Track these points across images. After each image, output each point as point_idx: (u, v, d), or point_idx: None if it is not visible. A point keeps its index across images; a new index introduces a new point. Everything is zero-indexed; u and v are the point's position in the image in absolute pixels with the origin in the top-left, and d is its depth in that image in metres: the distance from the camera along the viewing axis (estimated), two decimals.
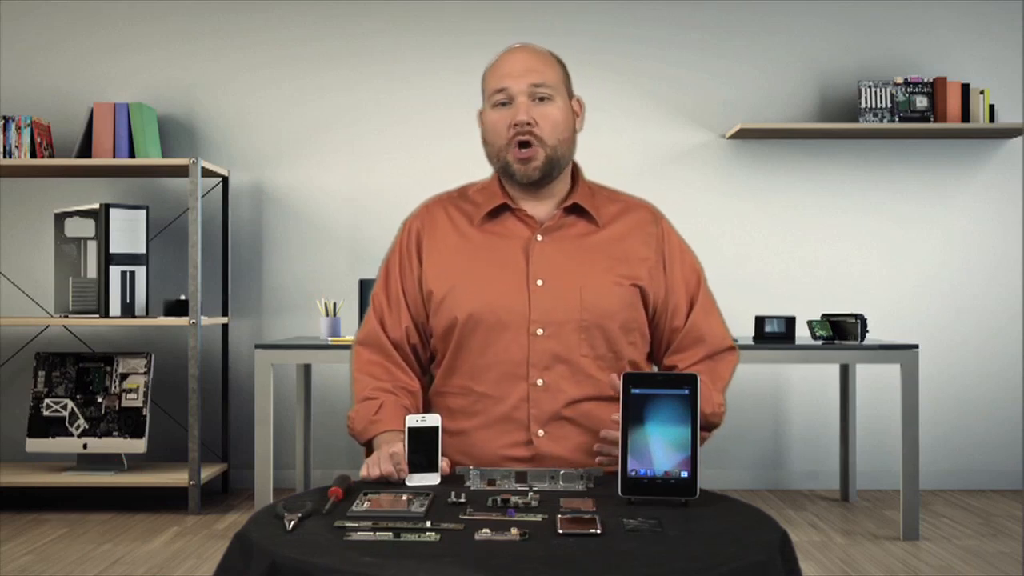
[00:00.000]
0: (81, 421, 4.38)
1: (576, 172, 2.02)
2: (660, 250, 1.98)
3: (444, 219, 2.00)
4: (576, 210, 1.97)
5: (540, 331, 1.88)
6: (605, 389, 1.88)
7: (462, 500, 1.53)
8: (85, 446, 4.36)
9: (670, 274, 1.98)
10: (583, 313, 1.89)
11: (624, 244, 1.96)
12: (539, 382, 1.88)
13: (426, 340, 2.00)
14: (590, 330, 1.89)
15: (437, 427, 1.68)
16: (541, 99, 1.92)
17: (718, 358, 2.01)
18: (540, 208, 1.98)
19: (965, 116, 4.57)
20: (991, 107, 4.60)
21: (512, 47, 1.99)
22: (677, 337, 1.99)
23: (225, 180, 4.71)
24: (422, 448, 1.66)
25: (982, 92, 4.59)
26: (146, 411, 4.38)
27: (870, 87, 4.59)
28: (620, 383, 1.60)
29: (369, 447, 1.91)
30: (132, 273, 4.40)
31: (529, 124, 1.90)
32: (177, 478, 4.28)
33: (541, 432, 1.87)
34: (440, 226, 1.99)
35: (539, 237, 1.94)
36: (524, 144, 1.91)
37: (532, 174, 1.92)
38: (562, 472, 1.66)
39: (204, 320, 4.43)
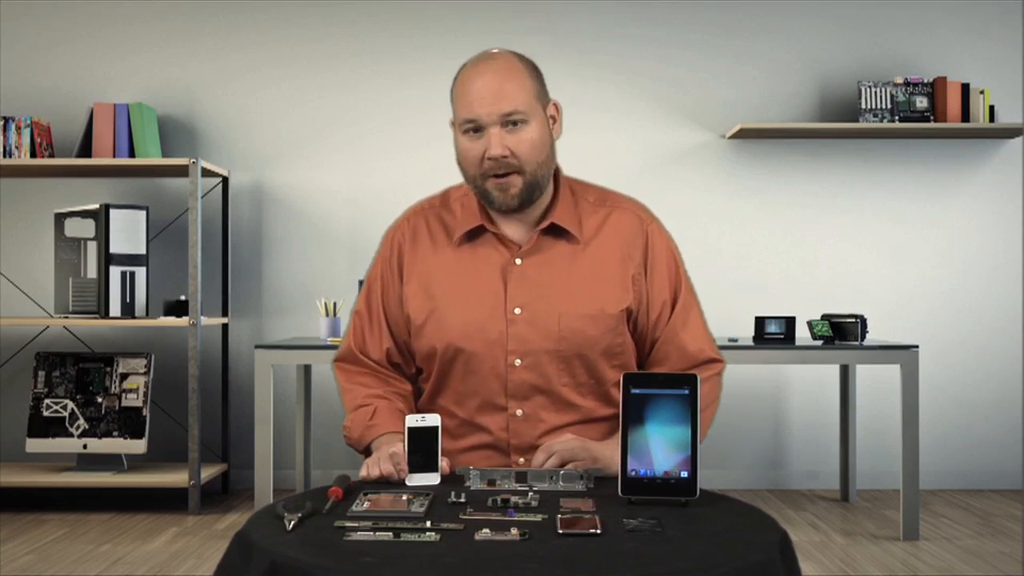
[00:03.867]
0: (81, 421, 4.38)
1: (556, 177, 1.93)
2: (644, 259, 1.91)
3: (425, 235, 1.94)
4: (555, 229, 1.89)
5: (518, 362, 1.85)
6: (588, 414, 1.86)
7: (462, 500, 1.53)
8: (85, 446, 4.36)
9: (651, 282, 1.91)
10: (560, 343, 1.84)
11: (607, 264, 1.89)
12: (518, 412, 1.86)
13: (409, 358, 1.97)
14: (569, 359, 1.85)
15: (437, 427, 1.67)
16: (515, 123, 1.81)
17: (695, 370, 1.92)
18: (519, 228, 1.90)
19: (965, 116, 4.57)
20: (991, 107, 4.60)
21: (478, 63, 1.86)
22: (656, 347, 1.94)
23: (225, 180, 4.71)
24: (422, 448, 1.66)
25: (982, 92, 4.59)
26: (146, 411, 4.38)
27: (870, 87, 4.59)
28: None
29: (367, 453, 1.89)
30: (132, 273, 4.40)
31: (505, 157, 1.81)
32: (177, 478, 4.28)
33: (522, 460, 1.86)
34: (421, 243, 1.94)
35: (518, 261, 1.88)
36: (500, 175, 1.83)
37: (512, 202, 1.84)
38: (562, 472, 1.66)
39: (204, 320, 4.43)
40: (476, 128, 1.82)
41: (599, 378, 1.88)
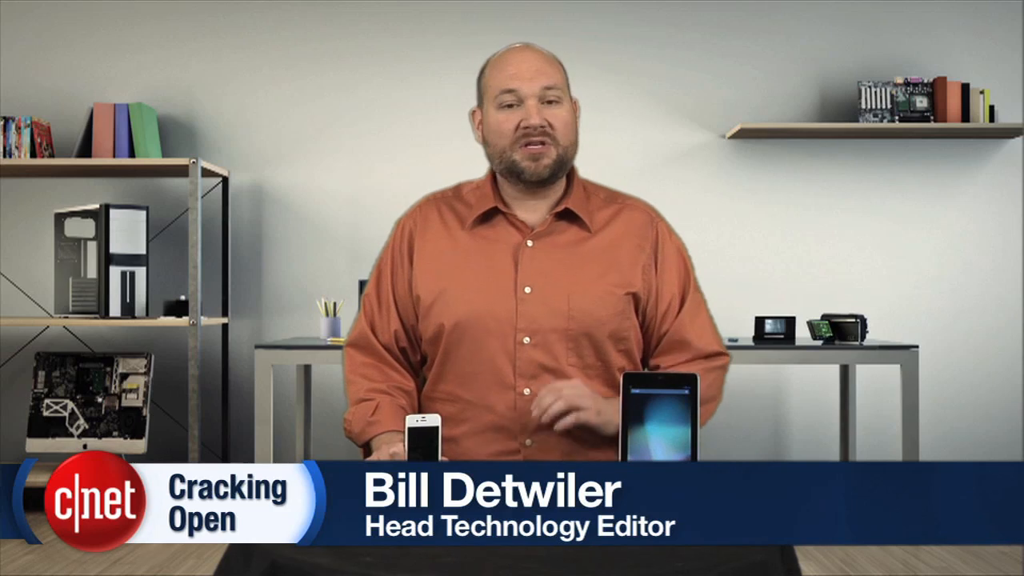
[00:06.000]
0: (81, 421, 4.38)
1: (571, 173, 1.98)
2: (653, 253, 1.95)
3: (436, 220, 1.98)
4: (568, 215, 1.94)
5: (527, 339, 1.86)
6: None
7: None
8: (85, 446, 4.36)
9: (661, 276, 1.94)
10: (570, 322, 1.86)
11: (617, 250, 1.93)
12: (526, 391, 1.86)
13: (416, 343, 1.98)
14: (577, 339, 1.87)
15: (437, 427, 1.67)
16: (550, 102, 1.89)
17: (700, 362, 1.95)
18: (533, 212, 1.95)
19: (965, 116, 4.57)
20: (991, 107, 4.60)
21: (515, 47, 1.95)
22: (663, 340, 1.96)
23: (225, 180, 4.71)
24: (422, 448, 1.66)
25: (982, 92, 4.59)
26: (146, 411, 4.38)
27: (870, 87, 4.59)
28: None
29: (367, 449, 1.90)
30: (132, 273, 4.40)
31: (543, 127, 1.87)
32: None
33: (529, 442, 1.86)
34: (432, 227, 1.97)
35: (529, 243, 1.92)
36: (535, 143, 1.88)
37: (542, 172, 1.89)
38: None
39: (204, 320, 4.43)
40: (513, 101, 1.89)
41: (606, 361, 1.90)
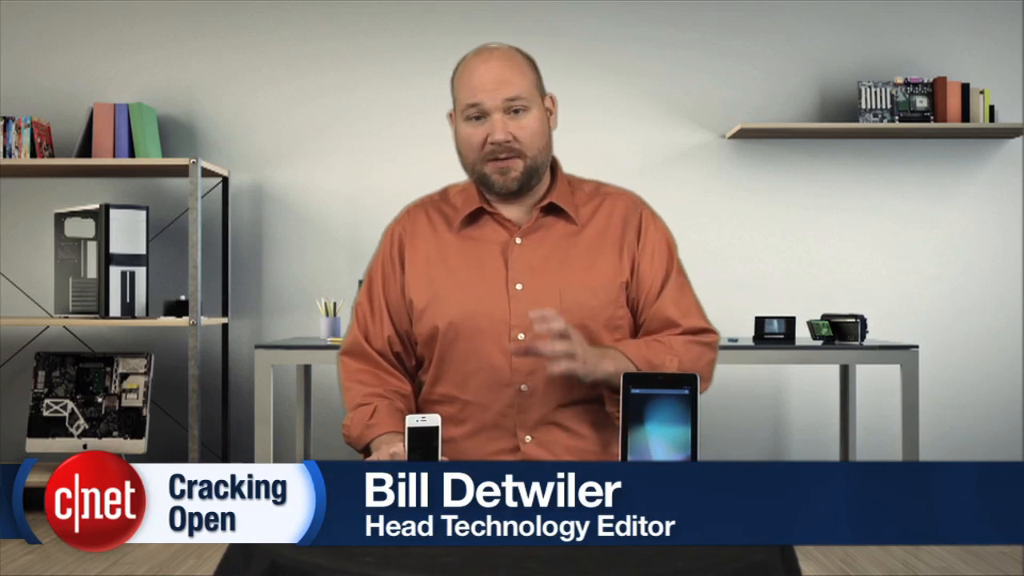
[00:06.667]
0: (81, 421, 4.38)
1: (555, 168, 1.99)
2: (637, 237, 1.95)
3: (425, 224, 1.99)
4: (554, 210, 1.95)
5: (521, 336, 1.86)
6: (592, 389, 1.87)
7: None
8: (85, 446, 4.36)
9: (645, 259, 1.95)
10: (564, 315, 1.83)
11: (604, 240, 1.94)
12: (523, 387, 1.87)
13: (410, 348, 1.98)
14: None
15: (437, 427, 1.67)
16: (517, 111, 1.88)
17: (687, 336, 1.93)
18: (518, 210, 1.95)
19: (965, 116, 4.57)
20: (991, 107, 4.60)
21: (480, 52, 1.92)
22: (647, 321, 1.95)
23: (225, 180, 4.71)
24: (422, 448, 1.66)
25: (982, 92, 4.59)
26: (146, 411, 4.38)
27: (870, 87, 4.59)
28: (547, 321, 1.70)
29: (367, 452, 1.90)
30: (132, 273, 4.40)
31: (508, 142, 1.86)
32: None
33: (528, 438, 1.87)
34: (421, 232, 1.98)
35: (518, 240, 1.93)
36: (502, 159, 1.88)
37: (511, 185, 1.89)
38: None
39: (204, 320, 4.44)
40: (478, 115, 1.87)
41: None
